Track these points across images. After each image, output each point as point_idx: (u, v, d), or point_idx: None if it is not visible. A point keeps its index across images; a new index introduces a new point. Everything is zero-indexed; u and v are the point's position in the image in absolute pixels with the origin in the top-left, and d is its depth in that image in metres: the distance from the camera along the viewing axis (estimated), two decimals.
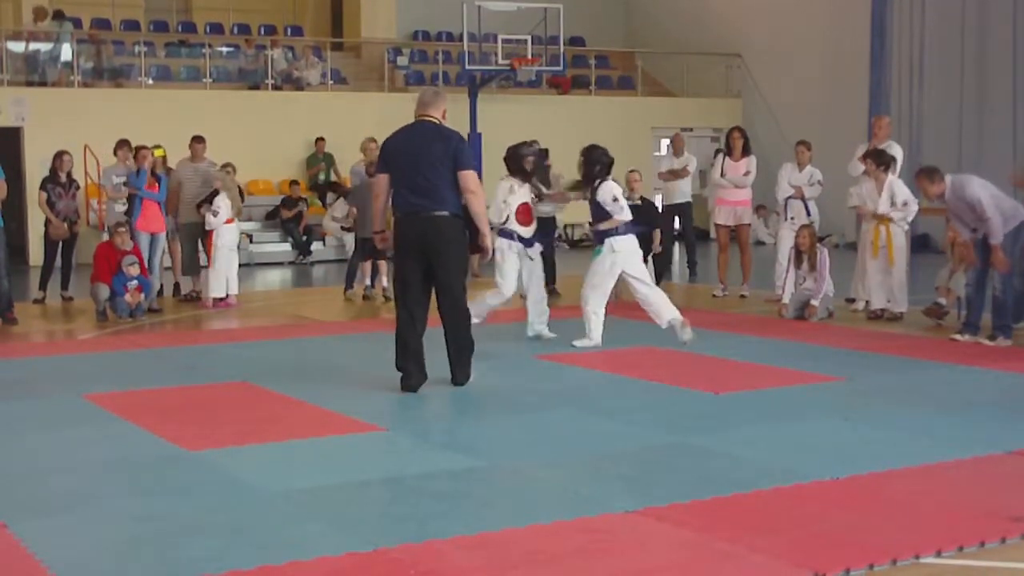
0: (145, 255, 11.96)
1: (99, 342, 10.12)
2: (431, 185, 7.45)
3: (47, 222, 12.64)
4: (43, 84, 18.67)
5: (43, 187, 12.61)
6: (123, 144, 13.08)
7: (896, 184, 10.74)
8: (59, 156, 12.66)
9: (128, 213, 12.27)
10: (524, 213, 9.88)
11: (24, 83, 18.62)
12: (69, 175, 12.68)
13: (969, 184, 9.13)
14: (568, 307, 12.18)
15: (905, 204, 10.73)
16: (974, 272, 9.43)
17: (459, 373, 7.71)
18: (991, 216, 8.98)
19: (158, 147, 13.04)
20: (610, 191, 9.38)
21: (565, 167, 13.53)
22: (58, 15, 19.62)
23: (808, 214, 11.87)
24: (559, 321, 11.34)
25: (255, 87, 20.13)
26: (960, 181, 9.21)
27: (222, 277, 12.31)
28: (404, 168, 7.52)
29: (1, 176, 11.19)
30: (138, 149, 12.49)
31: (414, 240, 7.51)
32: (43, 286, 12.72)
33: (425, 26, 23.64)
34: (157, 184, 12.30)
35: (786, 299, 11.02)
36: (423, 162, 7.46)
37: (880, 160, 10.77)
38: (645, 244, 12.34)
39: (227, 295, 12.35)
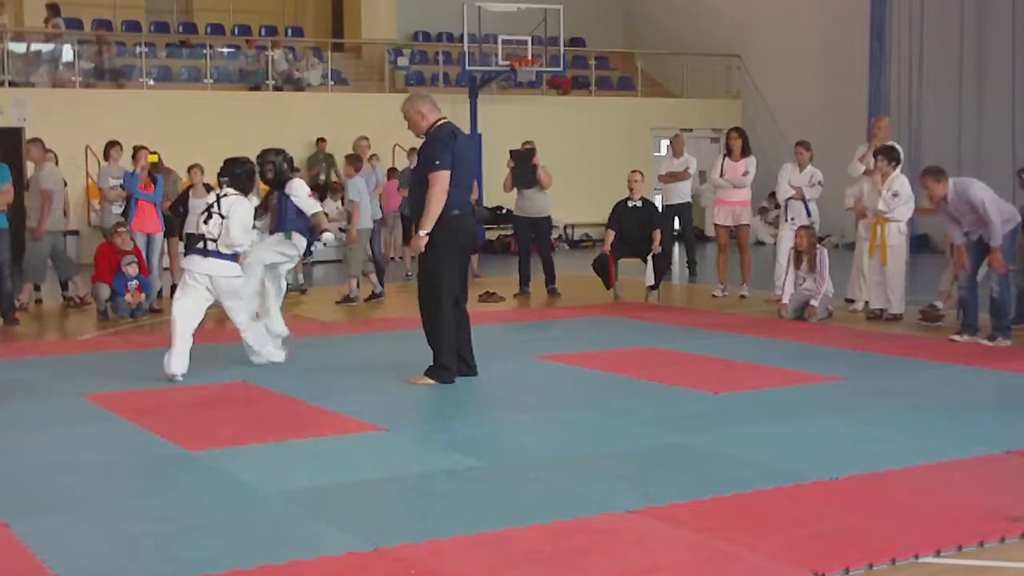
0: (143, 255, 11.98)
1: (99, 342, 10.12)
2: (473, 184, 8.08)
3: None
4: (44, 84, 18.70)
5: (29, 187, 12.61)
6: (114, 145, 13.09)
7: (898, 180, 10.68)
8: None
9: (124, 214, 12.29)
10: None
11: (25, 83, 18.63)
12: None
13: (971, 187, 9.16)
14: (567, 307, 12.20)
15: (908, 200, 10.68)
16: (964, 274, 9.44)
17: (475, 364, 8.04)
18: (993, 218, 9.01)
19: (153, 152, 13.02)
20: (303, 186, 9.06)
21: (565, 168, 13.61)
22: (53, 9, 19.54)
23: (808, 215, 11.86)
24: (559, 321, 11.36)
25: (256, 88, 20.14)
26: (963, 184, 9.23)
27: None
28: (466, 167, 7.86)
29: (8, 180, 11.21)
30: (137, 150, 12.50)
31: (469, 236, 7.97)
32: (37, 287, 12.74)
33: (425, 27, 23.65)
34: (152, 185, 12.31)
35: (786, 299, 11.02)
36: (472, 162, 8.12)
37: (891, 156, 10.75)
38: (645, 244, 12.42)
39: None
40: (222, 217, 8.14)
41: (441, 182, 7.53)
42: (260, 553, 4.35)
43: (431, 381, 7.72)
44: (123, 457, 6.00)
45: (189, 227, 12.76)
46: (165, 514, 4.93)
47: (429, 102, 7.88)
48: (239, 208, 8.22)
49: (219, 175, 8.46)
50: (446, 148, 7.61)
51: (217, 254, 8.14)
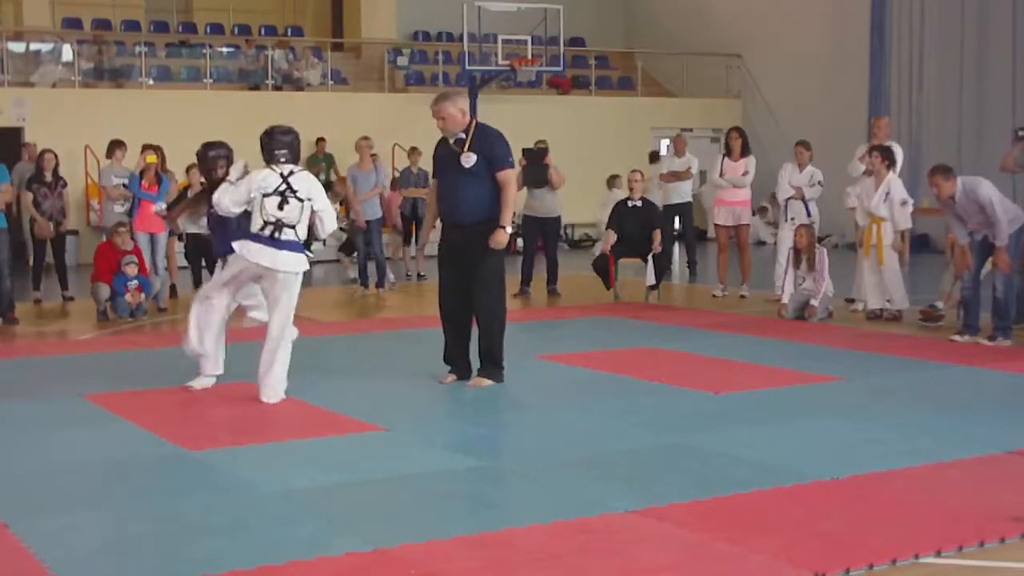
0: (146, 255, 12.01)
1: (99, 342, 10.12)
2: None
3: (32, 221, 12.66)
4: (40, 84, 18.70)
5: (28, 186, 12.62)
6: (119, 145, 13.13)
7: (894, 183, 10.73)
8: (42, 155, 12.65)
9: (130, 213, 12.37)
10: None
11: (24, 83, 18.63)
12: (55, 173, 12.65)
13: (980, 186, 9.16)
14: (567, 307, 12.19)
15: (904, 203, 10.71)
16: (968, 274, 9.44)
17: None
18: (1001, 217, 9.02)
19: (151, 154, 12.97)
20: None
21: (565, 168, 13.60)
22: None
23: (808, 214, 11.87)
24: (560, 321, 11.35)
25: (255, 87, 20.13)
26: (972, 182, 9.23)
27: None
28: None
29: (8, 180, 11.20)
30: (144, 149, 12.52)
31: None
32: (37, 286, 12.78)
33: (425, 26, 23.64)
34: (157, 186, 12.31)
35: (786, 299, 11.02)
36: None
37: (887, 156, 10.78)
38: (645, 244, 12.41)
39: None
40: (300, 201, 7.07)
41: (515, 181, 7.79)
42: (260, 553, 4.35)
43: (491, 382, 7.70)
44: (123, 457, 6.00)
45: (189, 227, 12.78)
46: (165, 514, 4.93)
47: (467, 101, 7.94)
48: (318, 187, 7.26)
49: (272, 149, 7.17)
50: (509, 147, 7.77)
51: (292, 245, 7.12)
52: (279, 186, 7.11)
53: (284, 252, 7.13)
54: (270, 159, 7.20)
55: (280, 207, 7.07)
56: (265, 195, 7.09)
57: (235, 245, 7.17)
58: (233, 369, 8.40)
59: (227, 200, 7.20)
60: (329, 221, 7.33)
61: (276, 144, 7.20)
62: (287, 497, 5.15)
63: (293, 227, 7.13)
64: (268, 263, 7.11)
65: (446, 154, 7.73)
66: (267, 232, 7.09)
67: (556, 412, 7.08)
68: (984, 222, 9.16)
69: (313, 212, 7.24)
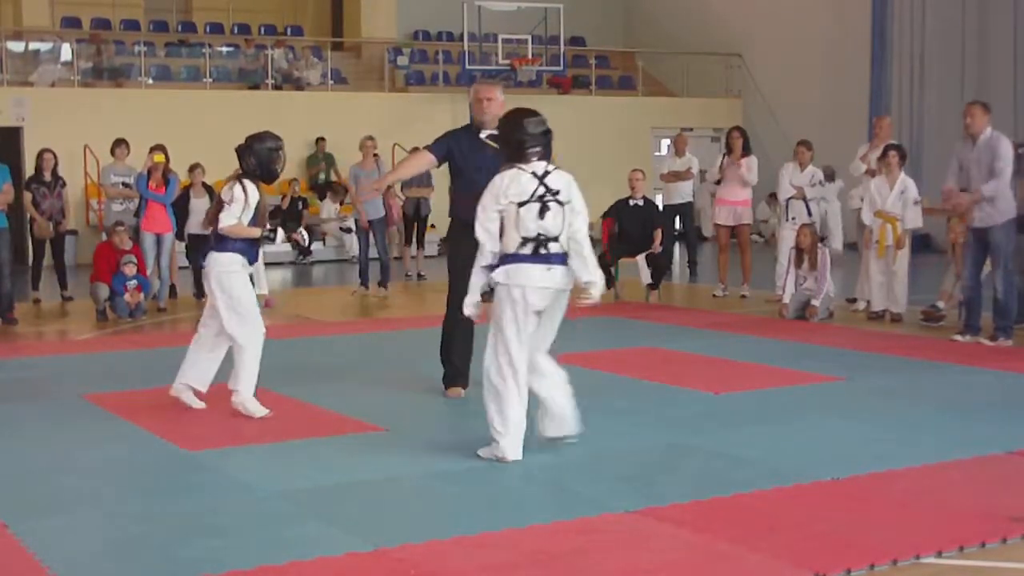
0: (152, 255, 11.99)
1: (99, 342, 10.11)
2: None
3: (31, 221, 12.65)
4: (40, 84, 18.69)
5: (27, 187, 12.61)
6: (121, 143, 13.13)
7: (909, 181, 10.77)
8: (41, 155, 12.66)
9: (137, 214, 12.38)
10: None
11: (24, 83, 18.62)
12: (54, 173, 12.64)
13: (1003, 140, 9.34)
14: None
15: (916, 202, 10.75)
16: (970, 273, 9.44)
17: None
18: (1005, 170, 9.11)
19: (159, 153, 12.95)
20: None
21: (565, 168, 13.59)
22: None
23: (809, 214, 11.88)
24: (561, 321, 11.34)
25: (255, 87, 20.13)
26: (998, 134, 9.41)
27: (262, 276, 11.70)
28: None
29: (9, 180, 11.21)
30: (152, 150, 12.51)
31: None
32: (35, 286, 12.78)
33: (425, 26, 23.65)
34: (165, 186, 12.27)
35: (786, 299, 11.02)
36: None
37: (903, 153, 10.83)
38: (646, 243, 12.41)
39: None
40: (561, 204, 5.67)
41: None
42: (260, 553, 4.35)
43: None
44: (123, 457, 6.00)
45: (191, 228, 12.78)
46: (165, 514, 4.92)
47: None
48: (577, 190, 5.81)
49: (530, 140, 5.74)
50: None
51: (561, 259, 5.71)
52: (539, 191, 5.66)
53: (556, 269, 5.70)
54: (520, 159, 5.74)
55: (540, 215, 5.64)
56: (520, 204, 5.64)
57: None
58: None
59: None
60: (582, 220, 5.82)
61: (534, 141, 5.74)
62: (287, 497, 5.14)
63: (556, 239, 5.69)
64: (543, 283, 5.68)
65: (474, 147, 7.26)
66: (529, 250, 5.65)
67: None
68: (980, 178, 9.18)
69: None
